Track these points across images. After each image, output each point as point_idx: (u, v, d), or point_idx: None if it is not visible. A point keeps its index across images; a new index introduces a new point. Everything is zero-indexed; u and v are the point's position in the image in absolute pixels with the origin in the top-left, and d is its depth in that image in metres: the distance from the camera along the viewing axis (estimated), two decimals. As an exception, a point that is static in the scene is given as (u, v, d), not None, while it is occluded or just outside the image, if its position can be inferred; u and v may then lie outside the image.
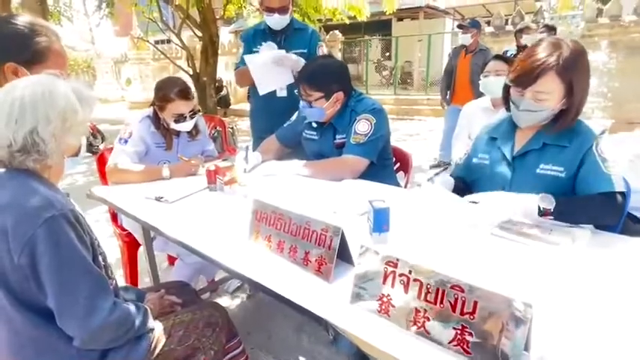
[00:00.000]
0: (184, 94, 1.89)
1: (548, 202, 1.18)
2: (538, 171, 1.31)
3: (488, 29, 8.56)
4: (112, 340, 1.01)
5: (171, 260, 2.47)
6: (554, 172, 1.29)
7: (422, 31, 12.79)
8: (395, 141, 2.22)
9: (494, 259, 1.06)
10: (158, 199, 1.55)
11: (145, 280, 2.26)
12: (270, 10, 2.28)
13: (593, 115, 7.22)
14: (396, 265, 0.81)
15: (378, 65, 13.98)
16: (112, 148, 2.17)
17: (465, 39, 4.51)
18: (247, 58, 2.31)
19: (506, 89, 1.36)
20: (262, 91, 2.37)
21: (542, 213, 1.18)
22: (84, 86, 1.05)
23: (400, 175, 2.17)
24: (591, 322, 0.80)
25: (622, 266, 1.02)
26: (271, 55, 2.25)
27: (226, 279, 2.30)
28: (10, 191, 0.93)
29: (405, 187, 2.08)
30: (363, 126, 1.79)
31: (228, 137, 3.97)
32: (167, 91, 1.88)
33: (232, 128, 4.17)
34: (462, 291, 0.72)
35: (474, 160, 1.53)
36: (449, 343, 0.72)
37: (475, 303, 0.71)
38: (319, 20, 10.99)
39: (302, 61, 2.23)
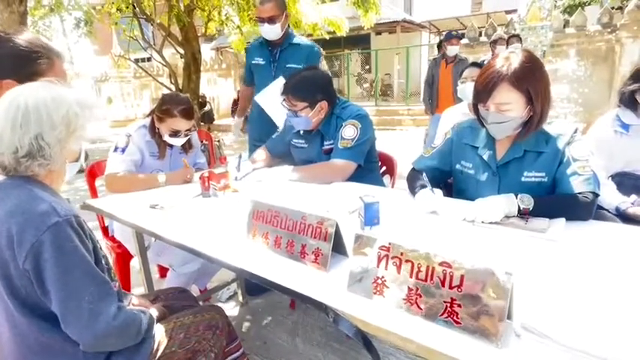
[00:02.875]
0: (186, 113, 1.97)
1: (527, 202, 1.25)
2: (523, 179, 1.39)
3: (463, 41, 8.89)
4: (116, 344, 1.02)
5: (162, 272, 2.48)
6: (538, 179, 1.37)
7: (400, 45, 13.16)
8: (378, 150, 2.31)
9: (478, 244, 1.14)
10: (153, 206, 1.58)
11: (139, 291, 2.26)
12: (261, 19, 2.46)
13: (566, 120, 7.53)
14: (388, 250, 0.88)
15: (359, 78, 14.27)
16: (99, 163, 2.20)
17: (454, 50, 4.70)
18: (257, 98, 2.52)
19: (475, 107, 1.44)
20: (280, 123, 2.41)
21: (522, 212, 1.26)
22: (86, 92, 1.08)
23: (386, 178, 2.26)
24: (567, 292, 0.88)
25: (594, 244, 1.12)
26: (277, 86, 2.31)
27: (219, 288, 2.32)
28: (15, 199, 0.94)
29: (392, 188, 2.17)
30: (349, 131, 1.88)
31: (215, 150, 4.02)
32: (172, 106, 1.95)
33: (219, 141, 4.22)
34: (450, 266, 0.79)
35: (457, 166, 1.59)
36: (440, 315, 0.79)
37: (462, 277, 0.78)
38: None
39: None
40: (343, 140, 1.87)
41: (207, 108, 10.52)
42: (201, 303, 2.25)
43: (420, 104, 10.45)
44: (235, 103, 10.73)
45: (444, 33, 5.04)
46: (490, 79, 1.31)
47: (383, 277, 0.88)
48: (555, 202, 1.32)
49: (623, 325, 0.76)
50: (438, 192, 1.49)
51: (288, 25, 2.57)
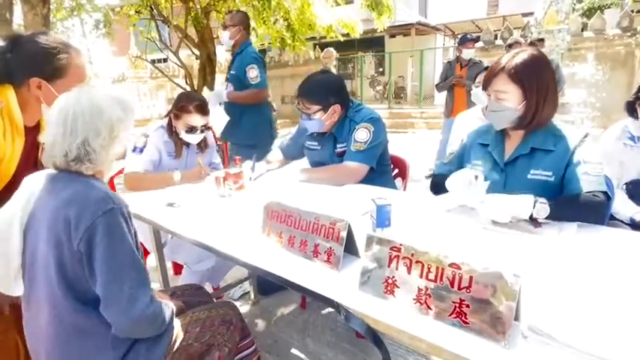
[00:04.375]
0: (201, 109, 2.04)
1: (543, 213, 1.23)
2: (529, 176, 1.41)
3: (478, 44, 8.83)
4: (145, 331, 1.09)
5: (176, 269, 2.54)
6: (544, 177, 1.38)
7: (414, 47, 13.13)
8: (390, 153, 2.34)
9: (488, 247, 1.16)
10: (170, 204, 1.63)
11: (155, 287, 2.32)
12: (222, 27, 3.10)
13: (583, 125, 7.41)
14: (399, 250, 0.90)
15: (372, 81, 14.27)
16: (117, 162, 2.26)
17: (470, 53, 4.68)
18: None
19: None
20: (217, 129, 2.92)
21: (534, 218, 1.26)
22: (124, 94, 1.15)
23: (398, 181, 2.28)
24: (575, 296, 0.89)
25: (604, 249, 1.12)
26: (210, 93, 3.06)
27: (231, 286, 2.36)
28: (73, 188, 1.03)
29: (404, 191, 2.19)
30: (362, 134, 1.90)
31: (229, 150, 4.08)
32: (187, 103, 2.02)
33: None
34: (459, 268, 0.81)
35: (468, 166, 1.61)
36: (449, 315, 0.81)
37: (470, 278, 0.80)
38: (313, 38, 11.27)
39: (218, 93, 2.99)
40: (356, 143, 1.90)
41: (221, 109, 10.62)
42: (214, 300, 2.32)
43: (434, 107, 10.47)
44: (249, 104, 10.82)
45: (459, 36, 5.00)
46: (493, 69, 1.43)
47: (393, 277, 0.90)
48: (566, 204, 1.31)
49: (630, 328, 0.77)
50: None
51: (245, 39, 3.08)
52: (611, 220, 1.71)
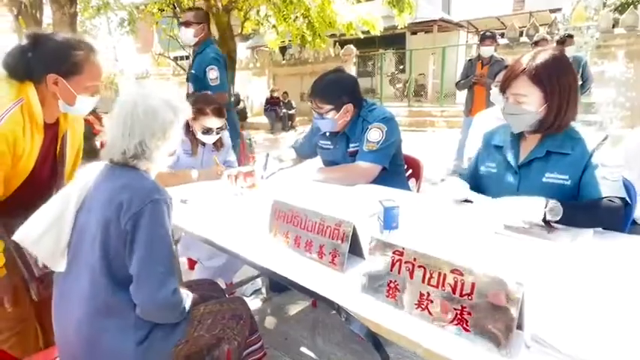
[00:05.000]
0: (218, 112, 2.07)
1: (556, 214, 1.20)
2: (544, 180, 1.36)
3: (502, 41, 8.61)
4: (167, 317, 1.15)
5: (191, 265, 2.58)
6: (559, 181, 1.34)
7: (436, 44, 12.91)
8: (407, 153, 2.32)
9: (497, 252, 1.13)
10: (183, 201, 1.66)
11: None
12: (180, 24, 3.12)
13: (612, 125, 7.14)
14: (402, 254, 0.89)
15: (392, 78, 14.12)
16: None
17: (489, 51, 4.57)
18: None
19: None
20: None
21: (547, 222, 1.22)
22: (177, 96, 1.24)
23: (413, 182, 2.25)
24: (583, 307, 0.86)
25: (619, 258, 1.08)
26: None
27: (244, 282, 2.39)
28: (127, 178, 1.15)
29: (417, 192, 2.16)
30: (375, 134, 1.89)
31: (245, 148, 4.12)
32: (205, 105, 2.05)
33: (250, 140, 4.32)
34: (461, 274, 0.80)
35: (482, 168, 1.59)
36: (450, 322, 0.80)
37: (473, 285, 0.78)
38: (333, 35, 11.24)
39: None
40: (369, 143, 1.88)
41: (240, 106, 10.75)
42: (227, 296, 2.36)
43: (455, 105, 10.27)
44: (268, 101, 10.90)
45: (482, 32, 4.89)
46: (512, 71, 1.37)
47: (396, 281, 0.89)
48: (581, 209, 1.27)
49: (636, 343, 0.75)
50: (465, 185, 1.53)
51: (207, 38, 3.09)
52: (634, 226, 1.64)
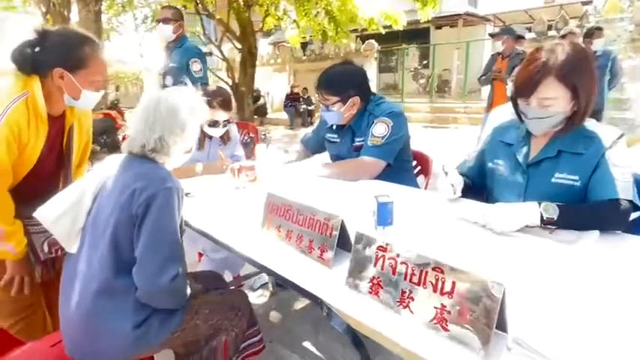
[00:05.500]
0: (225, 104, 2.08)
1: (552, 212, 1.16)
2: (553, 180, 1.30)
3: (529, 35, 8.31)
4: (165, 302, 1.19)
5: (201, 256, 2.62)
6: (569, 182, 1.27)
7: (461, 39, 12.60)
8: (424, 150, 2.27)
9: (493, 252, 1.09)
10: (186, 194, 1.68)
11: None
12: (157, 20, 3.21)
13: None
14: (385, 250, 0.87)
15: (415, 74, 13.89)
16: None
17: (507, 47, 4.48)
18: None
19: (514, 101, 1.36)
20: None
21: (545, 222, 1.17)
22: (196, 99, 1.33)
23: (421, 178, 2.21)
24: (572, 311, 0.82)
25: (620, 261, 1.02)
26: None
27: (251, 275, 2.41)
28: (143, 167, 1.22)
29: (426, 189, 2.12)
30: (380, 129, 1.85)
31: (261, 143, 4.16)
32: (211, 98, 2.06)
33: (265, 135, 4.35)
34: (442, 272, 0.77)
35: (489, 164, 1.53)
36: (430, 321, 0.78)
37: (453, 283, 0.76)
38: (355, 30, 11.14)
39: None
40: (373, 138, 1.85)
41: (260, 102, 10.84)
42: (232, 288, 2.39)
43: (479, 102, 10.00)
44: (288, 97, 10.93)
45: (500, 27, 4.76)
46: (535, 73, 1.23)
47: (379, 277, 0.87)
48: (585, 211, 1.21)
49: (623, 349, 0.70)
50: (457, 180, 1.47)
51: (183, 34, 3.27)
52: None
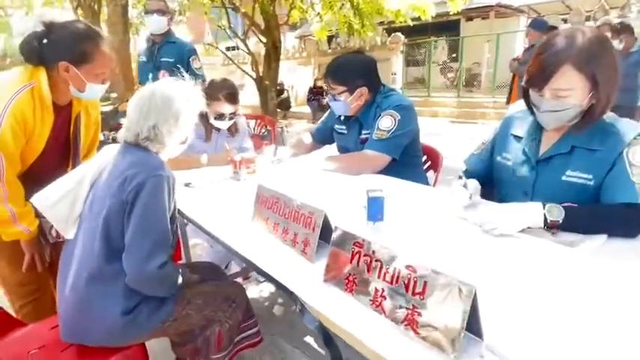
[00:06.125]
0: (230, 97, 2.06)
1: (557, 214, 1.08)
2: (564, 178, 1.20)
3: (564, 27, 7.90)
4: (154, 289, 1.20)
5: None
6: (581, 180, 1.18)
7: (493, 31, 12.14)
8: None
9: (485, 253, 1.03)
10: (187, 184, 1.70)
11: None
12: (150, 11, 3.04)
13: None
14: (361, 246, 0.84)
15: (444, 67, 13.51)
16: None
17: (532, 40, 4.26)
18: None
19: (525, 92, 1.26)
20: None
21: (549, 225, 1.09)
22: (192, 90, 1.33)
23: (431, 174, 2.13)
24: (559, 318, 0.76)
25: (618, 267, 0.94)
26: None
27: (258, 267, 2.41)
28: (137, 155, 1.24)
29: (434, 185, 2.05)
30: (386, 122, 1.80)
31: (277, 136, 4.15)
32: (217, 90, 2.06)
33: (282, 128, 4.33)
34: (415, 271, 0.73)
35: (498, 158, 1.44)
36: (401, 322, 0.74)
37: (425, 283, 0.71)
38: (382, 23, 10.95)
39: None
40: (379, 131, 1.80)
41: (284, 95, 10.85)
42: (240, 280, 2.40)
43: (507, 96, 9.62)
44: (311, 91, 10.89)
45: (530, 19, 4.53)
46: (550, 61, 1.12)
47: (354, 274, 0.84)
48: (595, 214, 1.12)
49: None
50: (471, 184, 1.34)
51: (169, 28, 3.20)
52: None
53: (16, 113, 1.36)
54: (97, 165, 1.29)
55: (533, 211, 1.11)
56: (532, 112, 1.29)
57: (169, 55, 3.15)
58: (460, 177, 1.35)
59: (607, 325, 0.73)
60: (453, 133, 7.25)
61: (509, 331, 0.72)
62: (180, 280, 1.26)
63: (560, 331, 0.72)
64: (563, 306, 0.79)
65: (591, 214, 1.12)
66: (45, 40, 1.42)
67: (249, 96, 10.34)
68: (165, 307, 1.24)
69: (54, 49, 1.41)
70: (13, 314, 1.58)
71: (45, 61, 1.42)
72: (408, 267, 0.74)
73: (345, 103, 1.87)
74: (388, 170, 1.80)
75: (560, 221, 1.08)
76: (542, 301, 0.81)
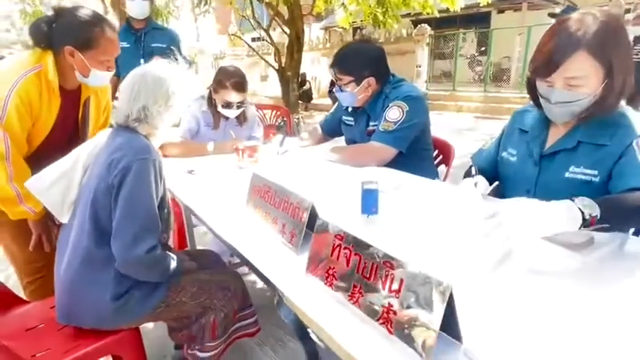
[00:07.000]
0: (238, 86, 2.04)
1: (592, 207, 0.92)
2: (567, 175, 1.12)
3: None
4: (144, 274, 1.19)
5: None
6: (586, 177, 1.09)
7: (525, 24, 11.66)
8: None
9: (478, 255, 0.97)
10: (190, 171, 1.69)
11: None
12: None
13: None
14: (342, 239, 0.80)
15: (472, 61, 13.09)
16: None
17: None
18: None
19: (531, 84, 1.17)
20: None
21: (588, 223, 0.91)
22: (186, 73, 1.31)
23: (442, 168, 2.06)
24: (546, 325, 0.70)
25: (618, 273, 0.86)
26: None
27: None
28: (124, 137, 1.22)
29: (445, 180, 1.97)
30: (393, 113, 1.74)
31: (292, 127, 4.14)
32: (225, 78, 2.04)
33: (298, 119, 4.32)
34: (392, 267, 0.69)
35: (503, 153, 1.36)
36: (376, 320, 0.70)
37: (401, 281, 0.67)
38: (408, 14, 10.69)
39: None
40: (385, 122, 1.74)
41: (306, 87, 10.79)
42: (245, 268, 2.40)
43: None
44: (332, 83, 10.80)
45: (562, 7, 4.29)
46: (560, 46, 1.03)
47: (334, 267, 0.80)
48: (619, 202, 0.98)
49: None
50: (482, 184, 1.26)
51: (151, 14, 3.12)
52: None
53: (22, 94, 1.38)
54: (91, 149, 1.29)
55: (569, 211, 0.91)
56: (538, 106, 1.20)
57: (160, 41, 3.09)
58: (469, 174, 1.27)
59: (594, 335, 0.67)
60: (476, 129, 7.03)
61: (493, 336, 0.67)
62: (174, 265, 1.25)
63: (547, 341, 0.66)
64: (554, 315, 0.73)
65: (618, 204, 0.98)
66: (53, 25, 1.44)
67: (273, 87, 10.34)
68: (158, 292, 1.24)
69: (61, 34, 1.43)
70: (22, 290, 1.64)
71: (53, 45, 1.44)
72: (385, 263, 0.70)
73: (351, 93, 1.81)
74: (396, 163, 1.74)
75: (598, 215, 0.92)
76: (533, 309, 0.75)
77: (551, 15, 4.09)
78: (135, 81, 1.24)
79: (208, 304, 1.33)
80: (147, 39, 3.08)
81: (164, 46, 3.04)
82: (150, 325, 1.32)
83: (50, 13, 1.48)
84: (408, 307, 0.65)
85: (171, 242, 2.38)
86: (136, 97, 1.22)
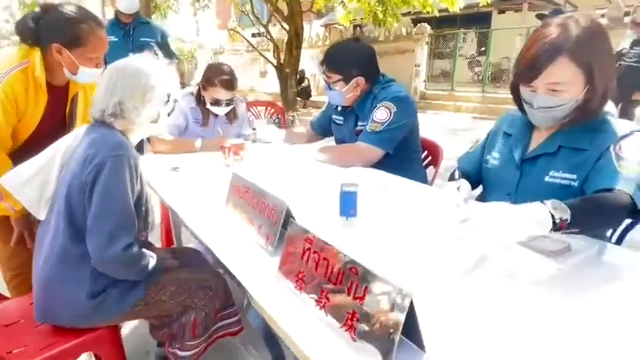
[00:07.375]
0: (227, 83, 2.02)
1: (562, 211, 0.92)
2: (547, 179, 1.13)
3: (602, 22, 7.47)
4: (121, 272, 1.17)
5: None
6: (565, 181, 1.10)
7: (526, 24, 11.64)
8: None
9: (452, 262, 0.96)
10: (174, 168, 1.68)
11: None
12: None
13: None
14: (312, 242, 0.79)
15: (471, 61, 13.07)
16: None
17: None
18: None
19: (515, 89, 1.17)
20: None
21: (558, 226, 0.92)
22: (166, 68, 1.28)
23: (431, 170, 2.05)
24: (515, 334, 0.70)
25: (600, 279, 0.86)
26: None
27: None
28: (98, 133, 1.20)
29: (432, 182, 1.97)
30: (381, 114, 1.73)
31: (287, 124, 4.12)
32: (213, 75, 2.02)
33: (293, 116, 4.29)
34: (357, 273, 0.68)
35: (487, 156, 1.36)
36: (340, 327, 0.69)
37: (365, 288, 0.66)
38: (408, 13, 10.66)
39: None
40: (373, 123, 1.73)
41: (305, 84, 10.76)
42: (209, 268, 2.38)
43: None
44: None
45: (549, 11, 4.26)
46: (542, 52, 1.04)
47: (303, 271, 0.80)
48: (588, 203, 0.99)
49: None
50: (465, 187, 1.24)
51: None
52: None
53: (7, 90, 1.37)
54: (66, 145, 1.26)
55: (539, 214, 0.91)
56: (522, 111, 1.20)
57: (149, 36, 3.11)
58: (453, 177, 1.27)
59: (568, 343, 0.66)
60: (473, 130, 7.01)
61: (459, 345, 0.66)
62: (152, 264, 1.23)
63: (518, 349, 0.66)
64: (526, 322, 0.73)
65: (589, 205, 0.99)
66: (40, 22, 1.42)
67: (272, 83, 10.31)
68: (136, 290, 1.22)
69: (48, 31, 1.42)
70: (5, 286, 1.63)
71: (40, 42, 1.43)
72: (351, 269, 0.69)
73: (340, 92, 1.81)
74: (384, 164, 1.73)
75: (569, 219, 0.92)
76: (505, 316, 0.74)
77: (539, 16, 4.03)
78: (112, 74, 1.21)
79: (189, 303, 1.32)
80: (135, 33, 3.08)
81: (153, 40, 3.05)
82: (134, 321, 1.31)
83: (38, 10, 1.47)
84: (370, 314, 0.64)
85: (158, 240, 2.39)
86: (112, 91, 1.19)
